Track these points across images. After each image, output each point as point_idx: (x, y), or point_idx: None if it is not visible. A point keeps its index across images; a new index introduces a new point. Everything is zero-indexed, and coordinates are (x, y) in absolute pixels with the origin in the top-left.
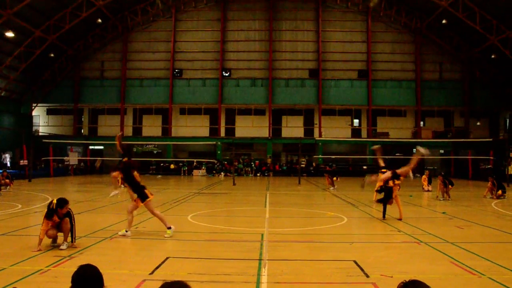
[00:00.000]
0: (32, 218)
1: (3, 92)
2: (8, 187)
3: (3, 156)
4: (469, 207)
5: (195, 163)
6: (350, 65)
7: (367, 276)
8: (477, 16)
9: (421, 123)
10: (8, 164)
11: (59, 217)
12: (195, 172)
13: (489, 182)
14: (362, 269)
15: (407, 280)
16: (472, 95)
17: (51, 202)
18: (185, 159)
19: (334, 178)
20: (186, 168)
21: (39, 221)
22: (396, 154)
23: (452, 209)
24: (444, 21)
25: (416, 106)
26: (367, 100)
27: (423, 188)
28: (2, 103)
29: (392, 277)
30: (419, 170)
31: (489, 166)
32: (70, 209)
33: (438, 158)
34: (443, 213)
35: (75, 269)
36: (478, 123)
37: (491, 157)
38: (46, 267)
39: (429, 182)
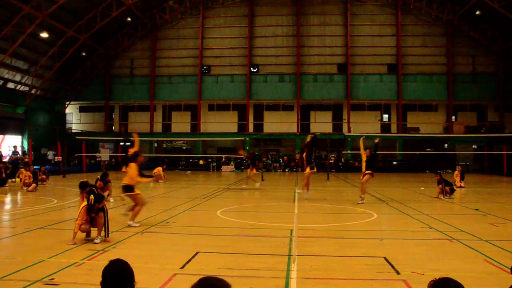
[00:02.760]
0: (67, 212)
1: (39, 91)
2: (44, 183)
3: (48, 153)
4: (503, 204)
5: (223, 159)
6: (379, 59)
7: (398, 273)
8: None
9: (453, 117)
10: (52, 161)
11: (94, 212)
12: (223, 167)
13: None
14: (392, 266)
15: (438, 277)
16: (507, 89)
17: (89, 198)
18: (214, 155)
19: (253, 171)
20: (215, 163)
21: (74, 215)
22: (427, 150)
23: (486, 205)
24: (477, 12)
25: (447, 100)
26: (396, 95)
27: (455, 184)
28: (37, 102)
29: (423, 274)
30: (451, 165)
31: None
32: (104, 204)
33: (471, 153)
34: (476, 209)
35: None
36: None
37: None
38: (81, 260)
39: (462, 178)
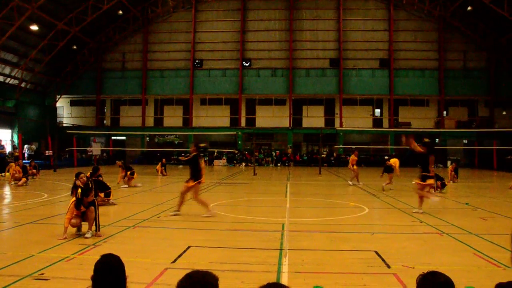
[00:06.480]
0: (57, 207)
1: (29, 84)
2: (34, 177)
3: (24, 147)
4: (493, 198)
5: (215, 153)
6: (371, 54)
7: (388, 266)
8: (505, 1)
9: (444, 112)
10: (26, 155)
11: (84, 206)
12: (216, 162)
13: None
14: (383, 260)
15: (426, 271)
16: (498, 84)
17: (77, 192)
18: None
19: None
20: (207, 158)
21: (64, 210)
22: (419, 144)
23: (476, 200)
24: (469, 8)
25: (439, 95)
26: (388, 90)
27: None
28: (27, 96)
29: (413, 268)
30: (442, 161)
31: None
32: (94, 198)
33: (462, 148)
34: (466, 204)
35: (98, 258)
36: (504, 113)
37: None
38: (71, 254)
39: (455, 174)
